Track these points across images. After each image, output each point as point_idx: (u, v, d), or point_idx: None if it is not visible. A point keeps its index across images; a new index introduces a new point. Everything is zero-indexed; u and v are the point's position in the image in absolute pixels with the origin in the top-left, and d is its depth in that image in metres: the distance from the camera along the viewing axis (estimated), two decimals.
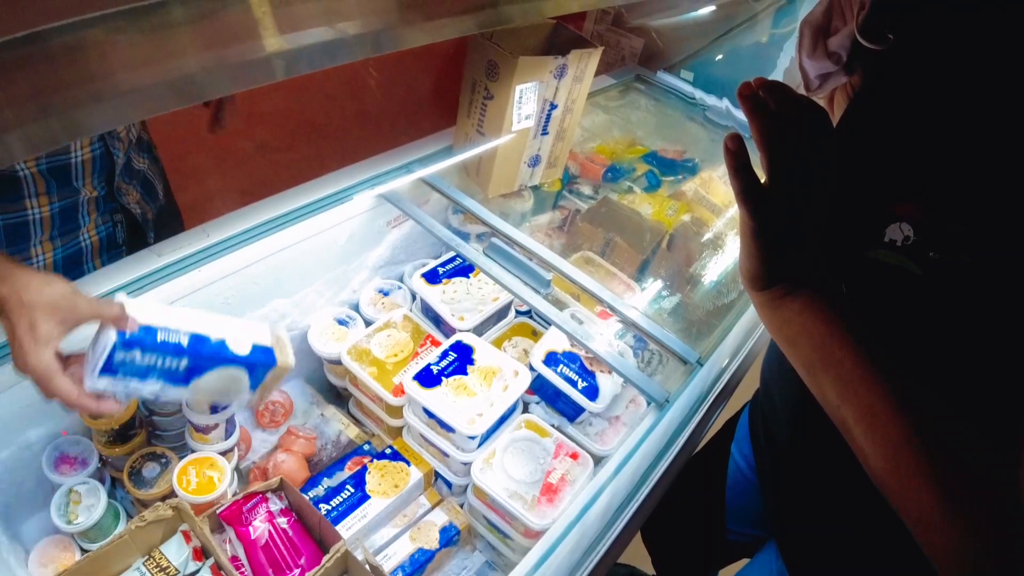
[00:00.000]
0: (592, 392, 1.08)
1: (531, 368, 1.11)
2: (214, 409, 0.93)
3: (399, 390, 1.07)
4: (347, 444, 1.17)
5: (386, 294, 1.28)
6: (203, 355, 0.78)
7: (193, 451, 0.96)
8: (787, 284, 0.58)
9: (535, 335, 1.25)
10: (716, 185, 1.50)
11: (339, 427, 1.19)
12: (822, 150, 0.57)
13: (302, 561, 0.86)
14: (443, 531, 1.06)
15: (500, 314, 1.25)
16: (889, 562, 0.79)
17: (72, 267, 1.03)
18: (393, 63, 1.79)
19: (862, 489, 0.58)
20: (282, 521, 0.89)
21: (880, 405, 0.52)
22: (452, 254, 1.29)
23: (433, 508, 1.09)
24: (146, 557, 0.84)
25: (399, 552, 1.03)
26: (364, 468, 1.07)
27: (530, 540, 0.99)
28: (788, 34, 1.71)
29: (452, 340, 1.10)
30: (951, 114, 0.60)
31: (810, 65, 0.74)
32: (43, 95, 0.36)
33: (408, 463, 1.09)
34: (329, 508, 1.01)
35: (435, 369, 1.04)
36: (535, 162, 1.31)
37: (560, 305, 1.12)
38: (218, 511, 0.87)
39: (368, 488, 1.04)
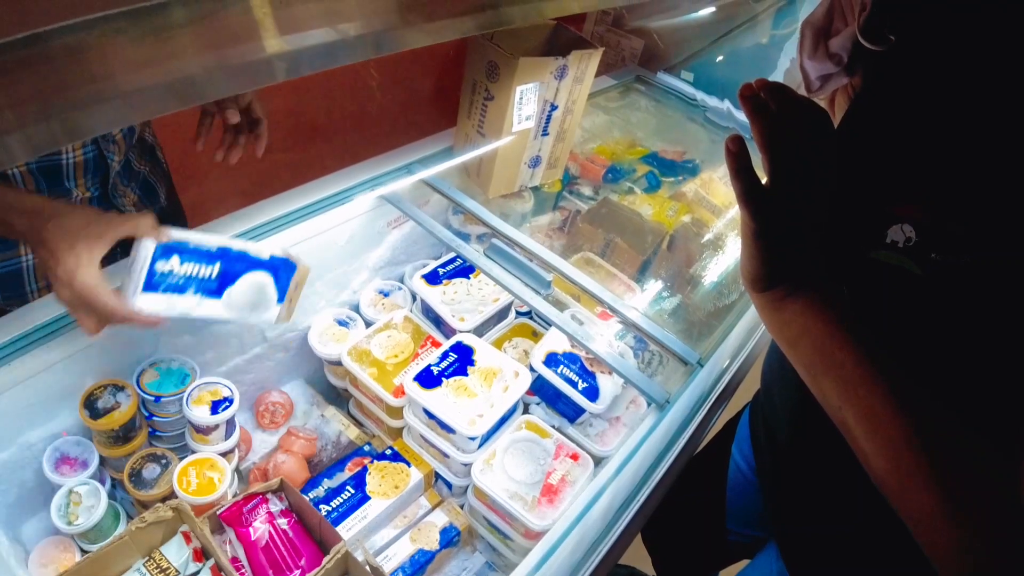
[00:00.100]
0: (592, 393, 1.08)
1: (531, 369, 1.10)
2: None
3: (399, 391, 1.07)
4: (347, 445, 1.17)
5: (386, 295, 1.28)
6: (231, 258, 0.87)
7: (193, 452, 0.96)
8: (788, 285, 0.58)
9: (535, 336, 1.25)
10: (716, 186, 1.50)
11: (339, 428, 1.19)
12: (823, 151, 0.57)
13: (302, 562, 0.86)
14: (443, 532, 1.06)
15: (500, 315, 1.25)
16: (889, 562, 0.79)
17: None
18: (393, 64, 1.79)
19: (862, 489, 0.58)
20: (282, 522, 0.89)
21: (881, 406, 0.52)
22: (452, 255, 1.29)
23: (433, 509, 1.09)
24: (146, 558, 0.84)
25: (399, 553, 1.03)
26: (364, 469, 1.07)
27: (530, 541, 0.99)
28: (788, 35, 1.71)
29: (452, 341, 1.10)
30: (952, 115, 0.60)
31: (811, 66, 0.74)
32: (44, 96, 0.36)
33: (408, 464, 1.09)
34: (329, 509, 1.01)
35: (435, 370, 1.04)
36: (535, 163, 1.31)
37: (560, 306, 1.12)
38: (218, 512, 0.87)
39: (368, 489, 1.04)
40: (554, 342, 1.15)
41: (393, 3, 0.48)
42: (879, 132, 0.65)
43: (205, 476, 0.92)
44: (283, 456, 1.08)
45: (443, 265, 1.26)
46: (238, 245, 0.88)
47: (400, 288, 1.30)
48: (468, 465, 1.02)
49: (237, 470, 1.03)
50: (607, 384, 1.10)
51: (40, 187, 0.93)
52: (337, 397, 1.28)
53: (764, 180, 0.57)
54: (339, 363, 1.13)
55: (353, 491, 1.04)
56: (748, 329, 1.18)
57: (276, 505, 0.91)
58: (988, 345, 0.58)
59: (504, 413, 1.03)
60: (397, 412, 1.09)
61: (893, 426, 0.51)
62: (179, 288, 0.84)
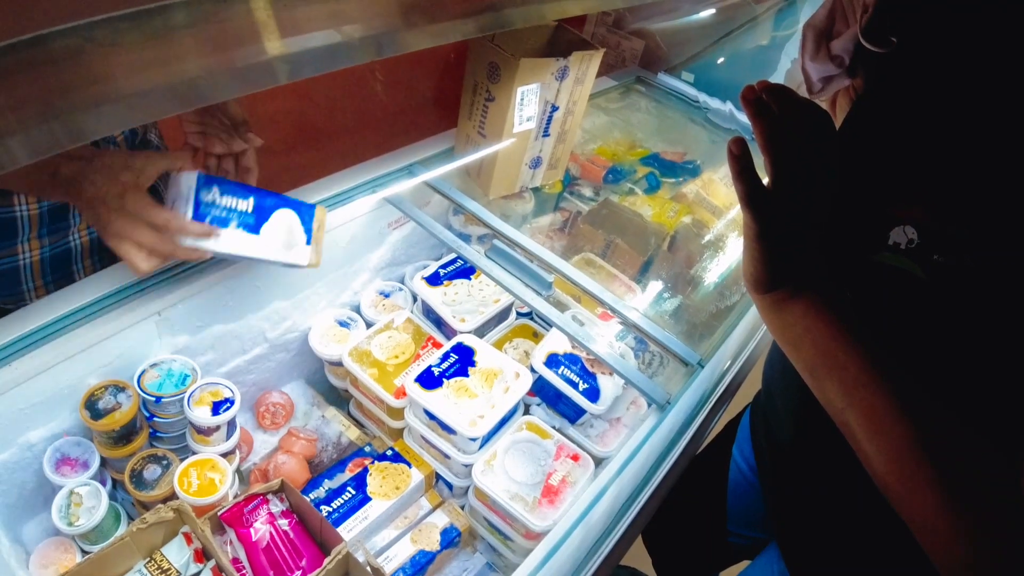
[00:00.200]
0: (593, 394, 1.08)
1: (532, 370, 1.10)
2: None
3: (400, 392, 1.07)
4: (348, 446, 1.17)
5: (387, 296, 1.28)
6: (261, 193, 0.91)
7: (194, 453, 0.96)
8: (790, 287, 0.58)
9: (536, 337, 1.25)
10: (717, 187, 1.50)
11: (340, 429, 1.19)
12: (825, 153, 0.57)
13: (303, 563, 0.86)
14: (444, 533, 1.06)
15: (501, 316, 1.25)
16: (890, 563, 0.79)
17: (60, 266, 1.03)
18: (394, 65, 1.79)
19: (863, 490, 0.58)
20: (283, 523, 0.89)
21: (883, 408, 0.52)
22: (453, 256, 1.29)
23: (434, 510, 1.09)
24: (147, 559, 0.84)
25: (400, 554, 1.03)
26: (365, 470, 1.07)
27: (531, 542, 0.99)
28: (789, 36, 1.71)
29: (453, 342, 1.10)
30: (954, 117, 0.60)
31: (813, 68, 0.74)
32: (45, 99, 0.36)
33: (409, 465, 1.08)
34: (330, 510, 1.01)
35: (436, 371, 1.04)
36: (536, 164, 1.31)
37: (561, 307, 1.12)
38: (219, 513, 0.87)
39: (369, 490, 1.04)
40: (555, 343, 1.15)
41: (395, 5, 0.48)
42: (881, 134, 0.65)
43: (206, 477, 0.92)
44: (284, 457, 1.08)
45: (444, 266, 1.26)
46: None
47: (401, 289, 1.30)
48: (469, 466, 1.02)
49: (238, 471, 1.03)
50: (608, 385, 1.10)
51: None
52: (338, 398, 1.28)
53: (766, 181, 0.57)
54: (340, 364, 1.13)
55: (354, 492, 1.04)
56: (749, 330, 1.18)
57: (277, 506, 0.91)
58: (990, 347, 0.58)
59: (505, 414, 1.03)
60: (398, 413, 1.09)
61: (895, 427, 0.51)
62: (223, 221, 0.87)
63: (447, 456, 1.04)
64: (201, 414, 0.94)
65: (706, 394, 1.04)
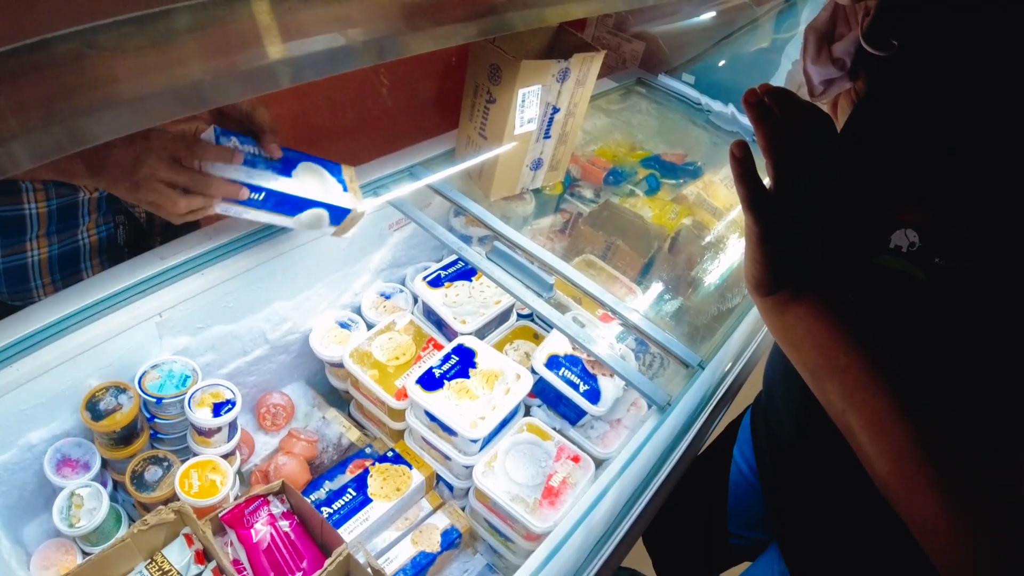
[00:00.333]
0: (594, 395, 1.08)
1: (533, 371, 1.11)
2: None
3: (401, 393, 1.07)
4: (348, 447, 1.17)
5: (388, 297, 1.28)
6: (286, 150, 0.93)
7: (195, 454, 0.96)
8: (792, 289, 0.58)
9: (537, 338, 1.25)
10: (717, 188, 1.51)
11: (340, 430, 1.19)
12: (826, 156, 0.57)
13: (304, 564, 0.86)
14: (445, 534, 1.06)
15: (502, 317, 1.25)
16: (891, 564, 0.79)
17: (68, 265, 1.03)
18: (395, 67, 1.79)
19: (864, 491, 0.58)
20: (284, 524, 0.89)
21: (885, 410, 0.52)
22: (454, 257, 1.29)
23: (435, 511, 1.09)
24: (148, 560, 0.84)
25: (401, 555, 1.03)
26: (366, 471, 1.07)
27: (531, 543, 0.99)
28: (789, 38, 1.71)
29: (454, 343, 1.10)
30: (955, 120, 0.60)
31: (814, 71, 0.74)
32: (48, 103, 0.36)
33: (410, 466, 1.09)
34: (331, 511, 1.01)
35: (437, 372, 1.04)
36: (537, 165, 1.31)
37: (562, 308, 1.12)
38: (220, 514, 0.87)
39: (370, 491, 1.04)
40: (555, 344, 1.15)
41: (397, 9, 0.48)
42: (882, 137, 0.65)
43: (207, 478, 0.92)
44: (284, 458, 1.08)
45: (445, 268, 1.27)
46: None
47: (402, 290, 1.30)
48: (469, 467, 1.02)
49: (239, 472, 1.03)
50: (608, 386, 1.10)
51: (47, 186, 0.94)
52: (338, 399, 1.28)
53: (768, 184, 0.57)
54: (340, 365, 1.13)
55: (355, 493, 1.04)
56: (750, 332, 1.18)
57: (278, 507, 0.91)
58: (990, 349, 0.58)
59: (505, 415, 1.03)
60: (398, 414, 1.09)
61: (897, 429, 0.51)
62: (250, 162, 0.89)
63: (448, 457, 1.04)
64: (202, 415, 0.94)
65: (707, 395, 1.04)
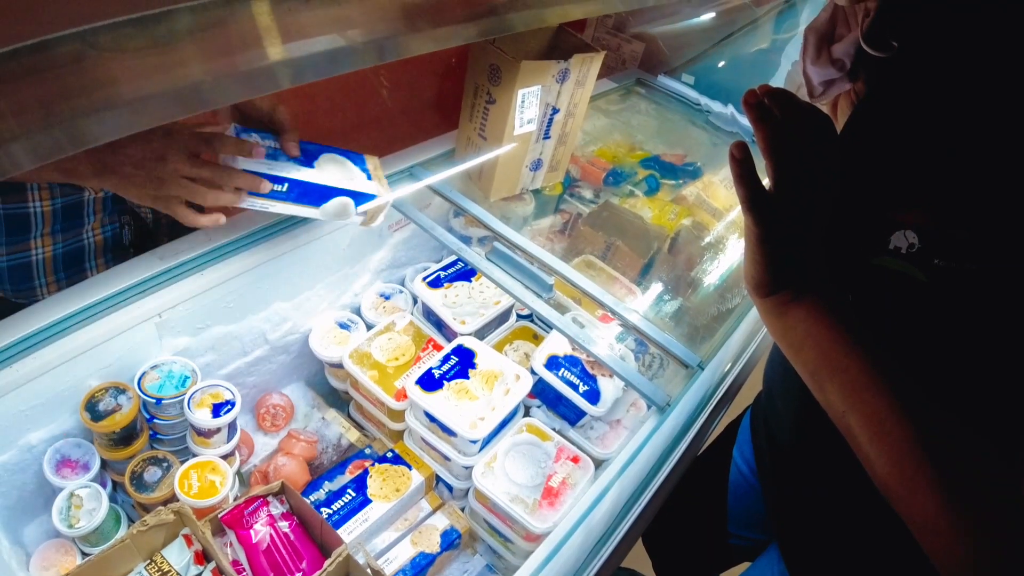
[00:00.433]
0: (593, 396, 1.08)
1: (532, 372, 1.11)
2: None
3: (401, 394, 1.07)
4: (348, 448, 1.17)
5: (387, 298, 1.28)
6: (305, 144, 0.93)
7: (195, 455, 0.96)
8: (792, 290, 0.58)
9: (536, 339, 1.25)
10: (717, 189, 1.51)
11: (340, 431, 1.19)
12: (826, 157, 0.58)
13: (303, 565, 0.86)
14: (444, 535, 1.06)
15: (502, 318, 1.25)
16: (891, 564, 0.79)
17: (72, 264, 1.03)
18: (395, 68, 1.79)
19: (864, 492, 0.58)
20: (283, 525, 0.89)
21: (885, 411, 0.52)
22: (454, 258, 1.29)
23: (434, 512, 1.09)
24: (148, 561, 0.84)
25: (400, 556, 1.03)
26: (365, 472, 1.07)
27: (531, 544, 0.99)
28: (789, 39, 1.71)
29: (454, 344, 1.10)
30: (955, 121, 0.60)
31: (814, 71, 0.74)
32: (48, 104, 0.36)
33: (409, 467, 1.08)
34: (330, 512, 1.01)
35: (437, 373, 1.04)
36: (537, 166, 1.31)
37: (561, 309, 1.12)
38: (220, 515, 0.87)
39: (369, 492, 1.04)
40: (555, 345, 1.15)
41: (397, 10, 0.48)
42: (882, 138, 0.65)
43: (206, 479, 0.92)
44: (284, 459, 1.08)
45: (444, 268, 1.27)
46: None
47: (401, 291, 1.30)
48: (469, 468, 1.02)
49: (238, 473, 1.03)
50: (608, 387, 1.10)
51: (52, 184, 0.94)
52: (338, 400, 1.28)
53: (767, 185, 0.57)
54: (340, 366, 1.13)
55: (354, 494, 1.04)
56: (749, 332, 1.18)
57: (277, 508, 0.91)
58: (991, 350, 0.58)
59: (505, 416, 1.03)
60: (398, 415, 1.09)
61: (897, 430, 0.51)
62: (272, 155, 0.89)
63: (447, 458, 1.04)
64: (201, 416, 0.94)
65: (706, 396, 1.04)
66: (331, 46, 0.44)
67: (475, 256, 1.12)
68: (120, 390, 0.92)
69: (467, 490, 1.07)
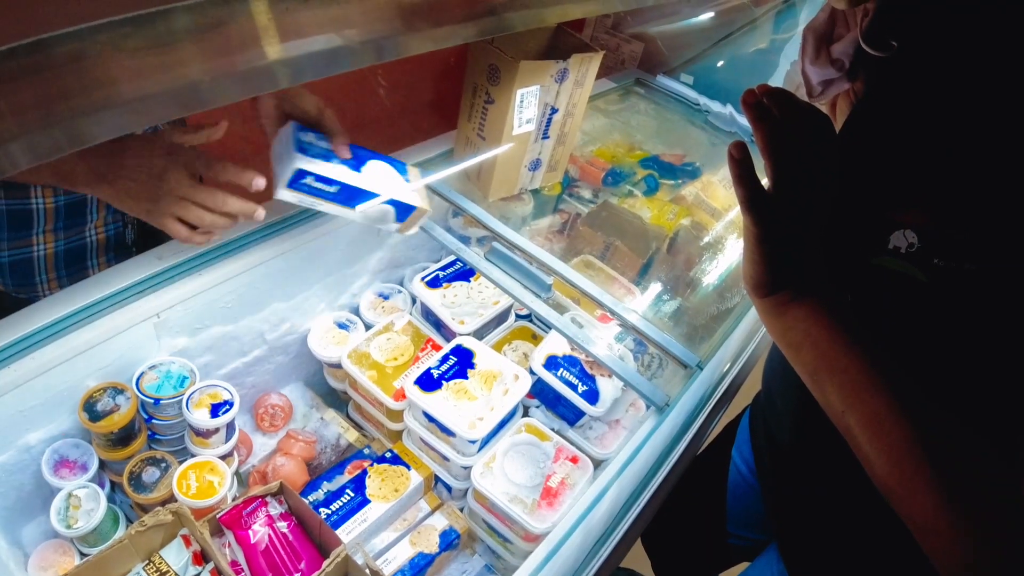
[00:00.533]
0: (592, 396, 1.08)
1: (531, 372, 1.10)
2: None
3: (399, 394, 1.07)
4: (347, 448, 1.17)
5: (386, 298, 1.28)
6: (352, 146, 0.95)
7: (193, 455, 0.96)
8: (791, 290, 0.58)
9: (535, 339, 1.25)
10: (716, 189, 1.51)
11: (338, 431, 1.19)
12: (825, 156, 0.57)
13: (302, 565, 0.86)
14: (443, 535, 1.06)
15: (500, 318, 1.25)
16: (890, 564, 0.79)
17: (74, 261, 1.03)
18: (394, 68, 1.79)
19: (863, 491, 0.58)
20: (282, 525, 0.89)
21: (884, 411, 0.52)
22: (452, 258, 1.29)
23: (433, 512, 1.09)
24: (146, 562, 0.84)
25: (399, 556, 1.03)
26: (364, 472, 1.07)
27: (530, 544, 0.99)
28: (788, 39, 1.72)
29: (452, 344, 1.10)
30: (954, 120, 0.60)
31: (813, 71, 0.74)
32: (46, 104, 0.36)
33: (408, 467, 1.08)
34: (329, 512, 1.01)
35: (435, 373, 1.04)
36: (536, 166, 1.31)
37: (560, 309, 1.12)
38: (218, 515, 0.87)
39: (368, 492, 1.04)
40: (554, 345, 1.15)
41: (396, 9, 0.48)
42: (881, 137, 0.65)
43: (205, 479, 0.92)
44: (282, 459, 1.08)
45: (443, 268, 1.26)
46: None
47: (400, 291, 1.30)
48: (468, 468, 1.02)
49: (237, 473, 1.03)
50: (607, 387, 1.10)
51: None
52: (337, 400, 1.28)
53: (766, 184, 0.57)
54: (339, 366, 1.13)
55: (353, 494, 1.03)
56: (748, 332, 1.18)
57: (276, 508, 0.90)
58: (991, 350, 0.58)
59: (504, 416, 1.03)
60: (397, 415, 1.09)
61: (896, 430, 0.51)
62: (325, 156, 0.91)
63: (446, 458, 1.04)
64: (200, 416, 0.94)
65: (705, 396, 1.04)
66: (329, 45, 0.44)
67: (474, 256, 1.12)
68: (118, 390, 0.92)
69: (466, 490, 1.07)
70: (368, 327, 1.21)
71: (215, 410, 0.95)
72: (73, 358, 0.87)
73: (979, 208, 0.57)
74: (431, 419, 1.01)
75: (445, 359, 1.07)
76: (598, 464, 1.07)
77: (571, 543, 0.84)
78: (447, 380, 1.04)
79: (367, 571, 0.84)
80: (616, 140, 1.63)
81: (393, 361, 1.13)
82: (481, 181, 1.29)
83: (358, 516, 1.01)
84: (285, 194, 0.91)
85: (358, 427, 1.21)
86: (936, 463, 0.50)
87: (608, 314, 1.11)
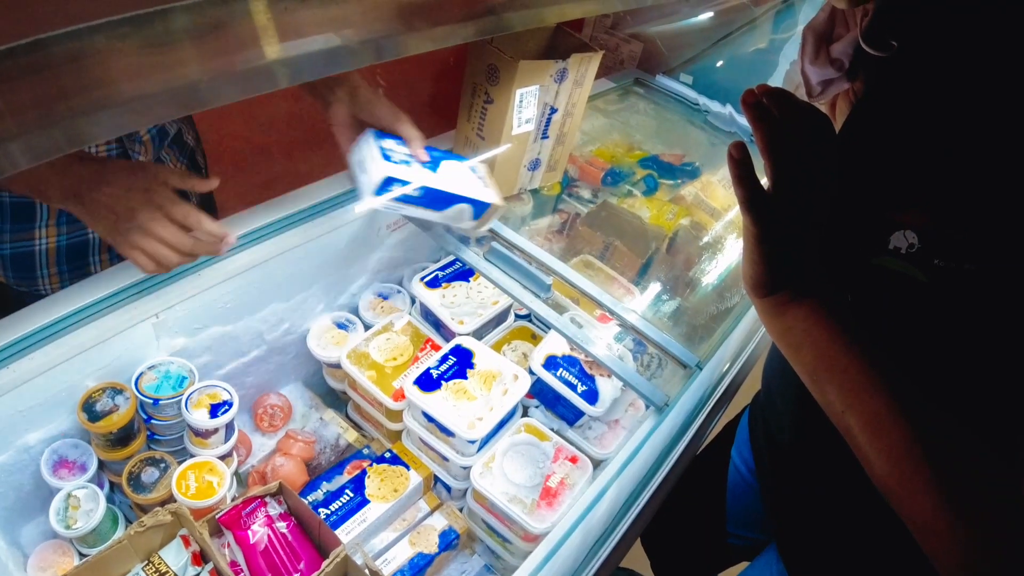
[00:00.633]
0: (592, 396, 1.08)
1: (531, 372, 1.10)
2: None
3: (399, 394, 1.07)
4: (346, 448, 1.17)
5: (385, 298, 1.28)
6: (427, 148, 0.99)
7: (192, 456, 0.96)
8: (790, 290, 0.58)
9: (535, 339, 1.25)
10: (715, 189, 1.51)
11: (338, 431, 1.19)
12: (825, 157, 0.57)
13: (301, 566, 0.86)
14: (442, 535, 1.06)
15: (500, 318, 1.25)
16: (889, 564, 0.79)
17: (76, 257, 1.03)
18: (393, 67, 1.79)
19: (862, 491, 0.58)
20: (281, 526, 0.89)
21: (884, 411, 0.52)
22: (452, 258, 1.29)
23: (432, 512, 1.09)
24: (145, 562, 0.84)
25: (398, 556, 1.03)
26: (363, 472, 1.07)
27: (529, 544, 0.99)
28: (787, 39, 1.71)
29: (452, 344, 1.10)
30: (954, 121, 0.60)
31: (812, 71, 0.74)
32: (45, 103, 0.35)
33: (407, 467, 1.08)
34: (328, 512, 1.01)
35: (435, 373, 1.04)
36: (535, 166, 1.30)
37: (560, 309, 1.12)
38: (217, 516, 0.87)
39: (367, 492, 1.04)
40: (553, 345, 1.15)
41: (395, 9, 0.48)
42: (881, 137, 0.65)
43: (204, 480, 0.92)
44: (281, 459, 1.08)
45: (442, 268, 1.26)
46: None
47: (399, 291, 1.30)
48: (467, 468, 1.02)
49: (236, 473, 1.03)
50: (606, 387, 1.10)
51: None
52: (336, 400, 1.28)
53: (766, 184, 0.57)
54: (338, 366, 1.13)
55: (352, 494, 1.03)
56: (748, 332, 1.18)
57: (275, 508, 0.90)
58: (991, 351, 0.58)
59: (503, 416, 1.03)
60: (396, 415, 1.09)
61: (896, 430, 0.51)
62: (407, 161, 0.95)
63: (445, 458, 1.04)
64: (199, 417, 0.94)
65: (705, 396, 1.04)
66: (328, 45, 0.44)
67: (473, 256, 1.12)
68: (117, 391, 0.92)
69: (465, 490, 1.07)
70: (367, 327, 1.20)
71: (214, 410, 0.95)
72: (72, 358, 0.87)
73: (979, 208, 0.57)
74: (430, 419, 1.01)
75: (444, 359, 1.07)
76: (597, 464, 1.07)
77: (570, 543, 0.84)
78: (446, 380, 1.04)
79: (366, 571, 0.84)
80: (615, 140, 1.63)
81: (392, 361, 1.13)
82: None
83: (357, 516, 1.01)
84: (372, 201, 0.93)
85: (357, 427, 1.21)
86: (935, 463, 0.50)
87: (607, 314, 1.11)
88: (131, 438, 0.94)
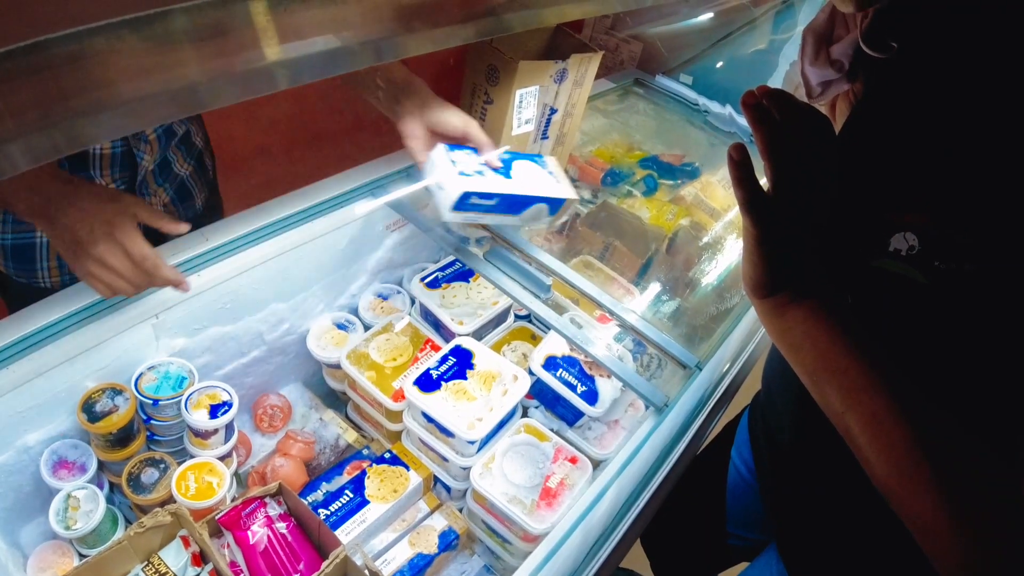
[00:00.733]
0: (591, 396, 1.08)
1: (530, 372, 1.10)
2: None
3: (399, 395, 1.07)
4: (345, 448, 1.17)
5: (385, 298, 1.28)
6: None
7: (192, 456, 0.96)
8: (790, 292, 0.58)
9: (534, 339, 1.25)
10: (715, 189, 1.51)
11: (338, 431, 1.19)
12: (825, 158, 0.57)
13: (301, 566, 0.86)
14: (442, 536, 1.06)
15: (499, 318, 1.25)
16: (889, 564, 0.79)
17: None
18: None
19: (862, 491, 0.58)
20: (281, 526, 0.89)
21: (884, 412, 0.52)
22: (451, 258, 1.29)
23: (432, 513, 1.09)
24: (145, 563, 0.84)
25: (398, 557, 1.03)
26: (363, 473, 1.07)
27: (529, 544, 0.99)
28: (787, 39, 1.72)
29: (451, 344, 1.10)
30: (954, 122, 0.60)
31: (812, 72, 0.74)
32: (45, 105, 0.35)
33: (407, 468, 1.08)
34: (328, 513, 1.01)
35: (435, 374, 1.04)
36: None
37: (559, 309, 1.12)
38: (217, 516, 0.87)
39: (367, 493, 1.04)
40: (553, 345, 1.15)
41: (395, 11, 0.48)
42: (881, 139, 0.65)
43: (204, 480, 0.92)
44: (281, 460, 1.08)
45: (442, 269, 1.26)
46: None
47: (399, 291, 1.29)
48: (467, 469, 1.02)
49: (236, 474, 1.03)
50: (606, 387, 1.10)
51: (61, 164, 0.93)
52: (336, 400, 1.28)
53: (765, 185, 0.57)
54: (338, 366, 1.13)
55: (352, 495, 1.03)
56: (747, 333, 1.18)
57: (275, 509, 0.90)
58: (992, 353, 0.58)
59: (503, 417, 1.03)
60: (396, 416, 1.09)
61: (895, 431, 0.51)
62: (480, 171, 0.97)
63: (445, 459, 1.04)
64: (199, 417, 0.93)
65: (704, 396, 1.04)
66: (328, 46, 0.44)
67: (473, 256, 1.12)
68: (117, 391, 0.92)
69: (465, 491, 1.07)
70: (367, 328, 1.20)
71: (214, 411, 0.95)
72: (72, 359, 0.87)
73: (979, 209, 0.57)
74: (430, 420, 1.01)
75: (444, 360, 1.07)
76: (597, 464, 1.07)
77: (570, 544, 0.84)
78: (446, 381, 1.04)
79: (366, 572, 0.84)
80: (615, 140, 1.63)
81: (392, 362, 1.13)
82: None
83: (357, 517, 1.01)
84: (451, 216, 0.95)
85: (357, 428, 1.21)
86: (935, 464, 0.50)
87: (607, 314, 1.11)
88: (131, 439, 0.94)
